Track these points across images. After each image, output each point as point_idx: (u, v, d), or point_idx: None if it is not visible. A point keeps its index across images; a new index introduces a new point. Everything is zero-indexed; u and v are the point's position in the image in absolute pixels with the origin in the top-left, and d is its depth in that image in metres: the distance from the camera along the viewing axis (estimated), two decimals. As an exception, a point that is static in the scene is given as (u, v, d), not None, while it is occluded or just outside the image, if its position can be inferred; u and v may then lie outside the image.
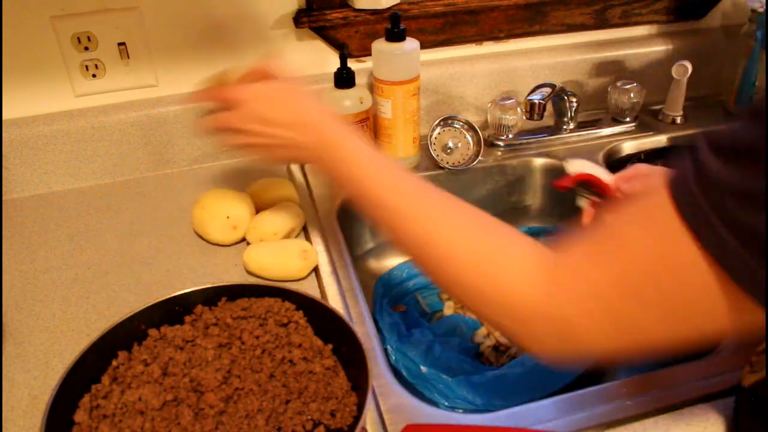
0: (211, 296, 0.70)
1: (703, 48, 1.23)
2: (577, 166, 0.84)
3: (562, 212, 1.12)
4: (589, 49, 1.18)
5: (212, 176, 1.05)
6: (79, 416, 0.58)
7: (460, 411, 0.71)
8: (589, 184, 0.83)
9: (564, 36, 1.18)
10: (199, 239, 0.90)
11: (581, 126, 1.13)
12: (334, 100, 0.94)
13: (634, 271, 0.41)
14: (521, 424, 0.63)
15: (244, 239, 0.88)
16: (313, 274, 0.83)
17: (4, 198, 1.00)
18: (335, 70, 0.94)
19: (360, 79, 0.99)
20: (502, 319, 0.48)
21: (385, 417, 0.64)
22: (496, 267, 0.48)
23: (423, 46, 1.01)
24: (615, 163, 1.10)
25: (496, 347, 0.86)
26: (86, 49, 0.96)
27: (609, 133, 1.14)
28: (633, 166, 0.78)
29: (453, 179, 1.05)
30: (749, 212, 0.34)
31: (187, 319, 0.69)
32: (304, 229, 0.92)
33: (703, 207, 0.36)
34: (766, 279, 0.35)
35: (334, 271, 0.83)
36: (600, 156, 1.08)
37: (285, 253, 0.81)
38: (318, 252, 0.85)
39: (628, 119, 1.14)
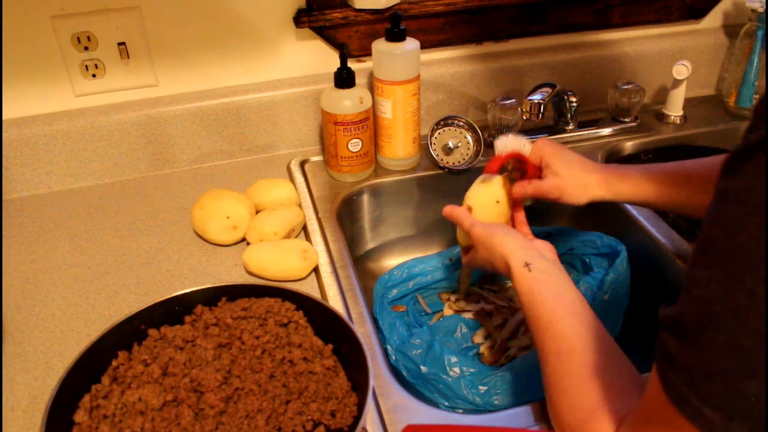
0: (211, 296, 0.70)
1: (703, 48, 1.23)
2: (506, 144, 0.83)
3: (561, 213, 1.12)
4: (589, 49, 1.18)
5: (212, 176, 1.05)
6: (79, 416, 0.58)
7: (460, 411, 0.71)
8: (515, 162, 0.83)
9: (564, 36, 1.18)
10: (199, 239, 0.90)
11: (581, 126, 1.13)
12: (334, 100, 0.95)
13: None
14: (521, 424, 0.63)
15: (244, 239, 0.88)
16: (313, 274, 0.83)
17: (4, 198, 1.00)
18: (335, 70, 0.94)
19: (360, 79, 0.99)
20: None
21: (385, 417, 0.64)
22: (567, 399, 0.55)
23: (423, 46, 1.01)
24: (615, 163, 1.10)
25: (496, 347, 0.86)
26: (86, 49, 0.96)
27: (609, 133, 1.14)
28: (540, 145, 0.83)
29: (453, 179, 1.05)
30: (717, 387, 0.37)
31: (187, 319, 0.69)
32: (304, 229, 0.92)
33: (685, 394, 0.39)
34: None
35: (334, 271, 0.83)
36: (600, 156, 1.08)
37: (285, 253, 0.81)
38: (318, 252, 0.85)
39: (628, 119, 1.14)
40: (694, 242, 0.88)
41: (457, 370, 0.72)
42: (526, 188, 0.80)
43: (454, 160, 1.03)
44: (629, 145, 1.13)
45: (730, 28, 1.23)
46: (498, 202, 0.79)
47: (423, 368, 0.73)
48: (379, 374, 0.68)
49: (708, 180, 0.74)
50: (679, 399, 0.40)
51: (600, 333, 0.58)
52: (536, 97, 1.03)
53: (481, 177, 0.81)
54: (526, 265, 0.65)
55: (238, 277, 0.83)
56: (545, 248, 0.70)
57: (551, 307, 0.61)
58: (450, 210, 0.80)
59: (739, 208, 0.35)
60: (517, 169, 0.85)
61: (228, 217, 0.86)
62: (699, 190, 0.75)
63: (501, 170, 0.82)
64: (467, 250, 0.81)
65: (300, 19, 1.01)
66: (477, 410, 0.70)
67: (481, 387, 0.70)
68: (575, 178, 0.79)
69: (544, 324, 0.60)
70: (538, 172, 0.83)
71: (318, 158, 1.08)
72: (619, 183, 0.79)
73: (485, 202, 0.79)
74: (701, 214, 0.76)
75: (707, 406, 0.38)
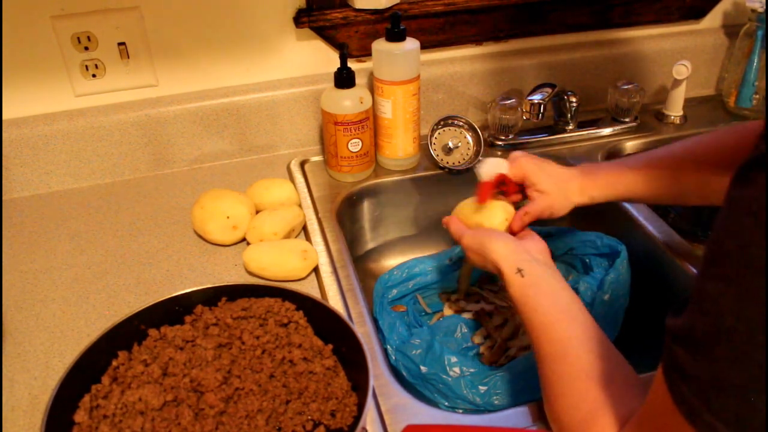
0: (211, 296, 0.70)
1: (703, 48, 1.23)
2: (487, 169, 0.82)
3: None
4: (589, 49, 1.18)
5: (212, 176, 1.05)
6: (79, 416, 0.58)
7: (460, 411, 0.71)
8: (502, 185, 0.82)
9: (564, 36, 1.18)
10: (199, 239, 0.90)
11: (581, 126, 1.13)
12: (334, 100, 0.95)
13: None
14: (521, 424, 0.63)
15: (244, 239, 0.88)
16: (313, 274, 0.83)
17: (4, 198, 1.00)
18: (335, 70, 0.94)
19: (360, 79, 0.99)
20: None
21: (385, 417, 0.64)
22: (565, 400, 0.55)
23: (423, 46, 1.01)
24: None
25: (496, 347, 0.86)
26: (86, 49, 0.96)
27: (609, 133, 1.14)
28: (517, 161, 0.81)
29: (453, 179, 1.05)
30: (729, 400, 0.37)
31: (187, 319, 0.69)
32: (304, 229, 0.92)
33: (697, 407, 0.39)
34: None
35: (334, 271, 0.83)
36: (600, 156, 1.08)
37: (285, 253, 0.81)
38: (318, 252, 0.85)
39: (628, 119, 1.14)
40: (695, 243, 0.88)
41: (457, 370, 0.72)
42: (524, 219, 0.79)
43: (454, 160, 1.03)
44: (629, 145, 1.13)
45: (730, 28, 1.23)
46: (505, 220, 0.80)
47: (423, 368, 0.73)
48: (379, 374, 0.68)
49: (684, 161, 0.75)
50: (690, 412, 0.39)
51: (596, 335, 0.58)
52: (536, 97, 1.03)
53: (475, 205, 0.81)
54: (519, 271, 0.65)
55: (238, 277, 0.83)
56: (537, 250, 0.70)
57: (545, 311, 0.61)
58: (447, 220, 0.80)
59: (753, 219, 0.34)
60: (501, 191, 0.84)
61: (228, 217, 0.86)
62: (671, 175, 0.75)
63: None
64: None
65: (300, 19, 1.01)
66: (477, 410, 0.70)
67: (481, 387, 0.70)
68: (559, 191, 0.79)
69: (540, 328, 0.60)
70: (519, 188, 0.83)
71: (318, 158, 1.08)
72: (593, 186, 0.79)
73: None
74: (681, 200, 0.77)
75: (719, 420, 0.37)
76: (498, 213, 0.79)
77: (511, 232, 0.78)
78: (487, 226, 0.79)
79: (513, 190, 0.82)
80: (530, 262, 0.66)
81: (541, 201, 0.79)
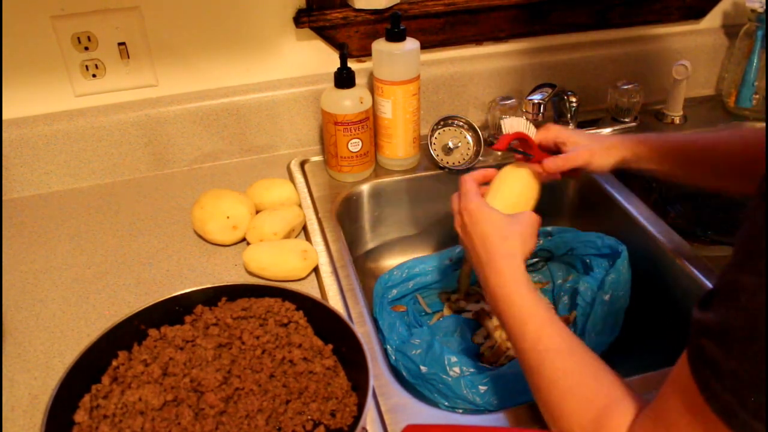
0: (211, 296, 0.70)
1: (703, 48, 1.23)
2: (512, 124, 0.82)
3: (562, 213, 1.12)
4: (589, 49, 1.18)
5: (212, 176, 1.05)
6: (80, 416, 0.58)
7: (460, 411, 0.71)
8: (521, 143, 0.83)
9: (564, 36, 1.18)
10: (199, 239, 0.90)
11: (581, 126, 1.13)
12: (334, 100, 0.95)
13: None
14: (521, 424, 0.63)
15: (244, 239, 0.88)
16: (313, 274, 0.83)
17: (4, 198, 1.00)
18: (335, 70, 0.94)
19: (360, 79, 0.99)
20: None
21: (385, 417, 0.64)
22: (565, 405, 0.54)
23: (423, 46, 1.01)
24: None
25: (496, 347, 0.86)
26: (86, 49, 0.96)
27: (609, 133, 1.14)
28: (547, 126, 0.81)
29: (453, 179, 1.05)
30: (765, 397, 0.36)
31: (187, 319, 0.69)
32: (304, 229, 0.92)
33: (732, 405, 0.38)
34: None
35: (334, 271, 0.83)
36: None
37: (285, 253, 0.82)
38: (318, 252, 0.85)
39: (628, 119, 1.15)
40: (695, 243, 0.88)
41: (457, 370, 0.72)
42: (556, 161, 0.78)
43: (454, 160, 1.03)
44: (629, 145, 1.13)
45: (730, 28, 1.23)
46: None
47: (423, 368, 0.73)
48: (379, 374, 0.68)
49: (718, 151, 0.74)
50: (723, 409, 0.38)
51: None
52: (536, 97, 1.03)
53: (507, 169, 0.81)
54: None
55: (238, 277, 0.83)
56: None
57: (546, 307, 0.61)
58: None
59: None
60: (520, 150, 0.83)
61: (228, 217, 0.86)
62: (709, 162, 0.74)
63: (508, 148, 0.81)
64: None
65: (300, 19, 1.01)
66: (477, 410, 0.70)
67: (481, 387, 0.70)
68: (598, 143, 0.78)
69: (540, 322, 0.59)
70: (545, 155, 0.81)
71: (318, 158, 1.08)
72: (638, 145, 0.77)
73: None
74: (712, 185, 0.76)
75: (756, 419, 0.37)
76: (514, 186, 0.78)
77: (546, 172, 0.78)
78: (499, 203, 0.77)
79: (539, 155, 0.81)
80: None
81: (580, 150, 0.77)
